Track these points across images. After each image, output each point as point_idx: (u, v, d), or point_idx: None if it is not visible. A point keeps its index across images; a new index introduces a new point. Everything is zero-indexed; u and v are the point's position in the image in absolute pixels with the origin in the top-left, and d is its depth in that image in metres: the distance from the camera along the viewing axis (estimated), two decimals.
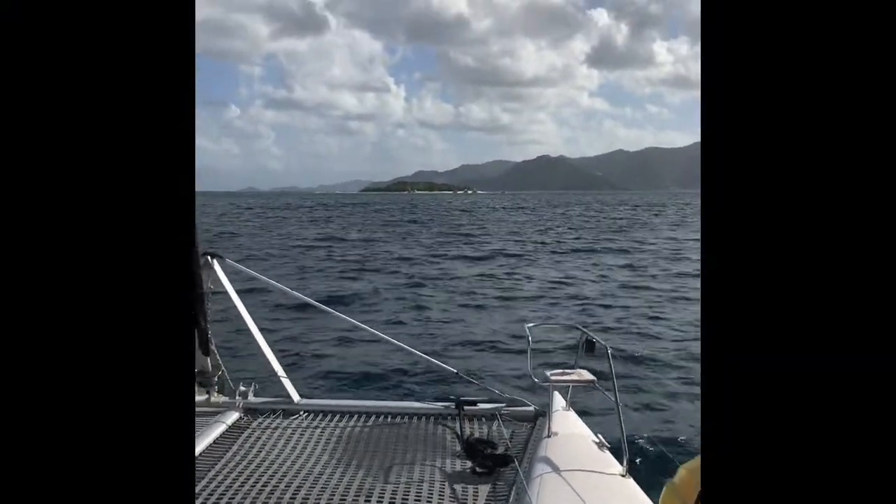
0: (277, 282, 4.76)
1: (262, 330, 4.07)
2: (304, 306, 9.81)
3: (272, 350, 4.04)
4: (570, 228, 45.40)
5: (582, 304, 14.64)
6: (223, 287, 3.95)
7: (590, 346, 3.25)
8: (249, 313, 4.05)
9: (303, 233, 39.72)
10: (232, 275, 4.05)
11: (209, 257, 3.89)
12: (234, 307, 4.00)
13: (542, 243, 31.80)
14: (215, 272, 3.90)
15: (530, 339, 3.36)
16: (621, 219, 59.36)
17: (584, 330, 3.34)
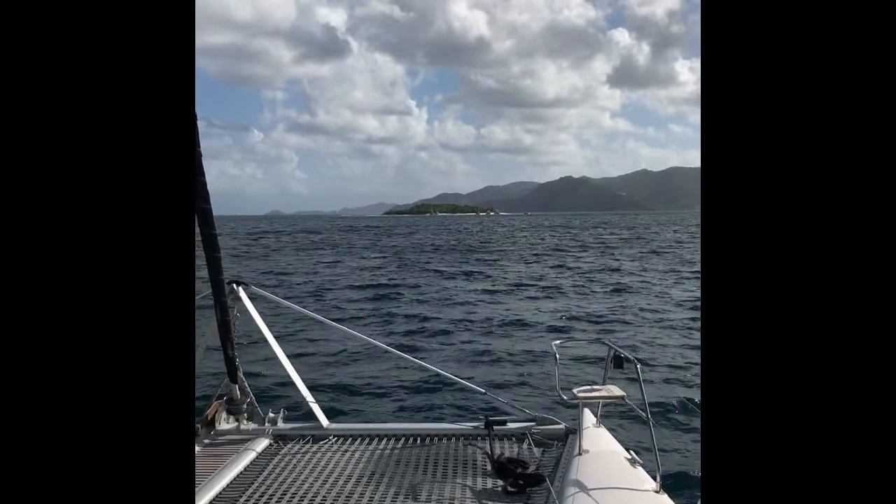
0: (303, 307, 4.78)
1: (289, 356, 4.08)
2: (331, 331, 9.84)
3: (300, 376, 4.05)
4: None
5: None
6: (249, 315, 3.97)
7: (618, 361, 3.22)
8: (276, 339, 4.07)
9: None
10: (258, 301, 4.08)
11: (234, 285, 3.92)
12: (261, 333, 4.02)
13: None
14: (241, 300, 3.93)
15: (557, 356, 3.34)
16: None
17: (613, 345, 3.31)
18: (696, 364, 10.60)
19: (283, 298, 4.47)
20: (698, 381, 9.12)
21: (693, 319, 14.64)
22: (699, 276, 1.10)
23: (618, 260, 32.95)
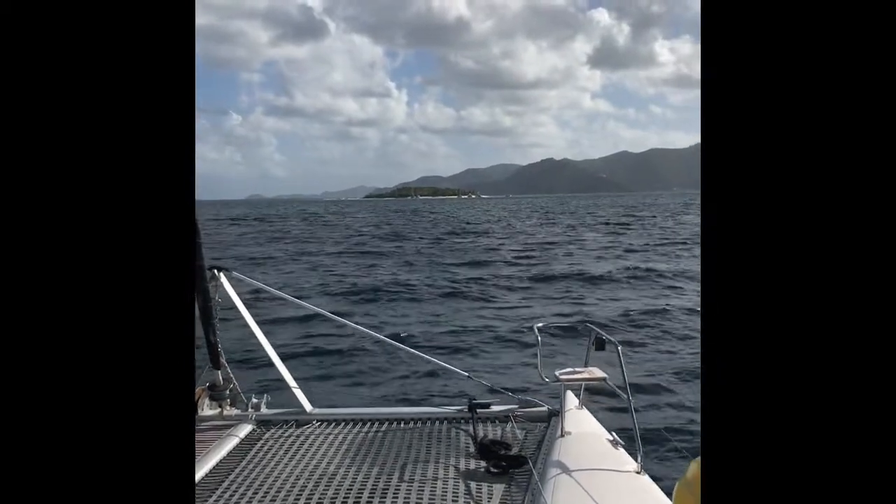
0: (283, 292, 4.76)
1: (271, 341, 4.07)
2: (312, 316, 9.78)
3: (282, 361, 4.04)
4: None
5: None
6: (231, 300, 3.95)
7: (600, 343, 3.25)
8: (258, 325, 4.06)
9: None
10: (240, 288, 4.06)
11: (216, 271, 3.90)
12: (243, 320, 4.00)
13: None
14: (223, 286, 3.91)
15: (539, 338, 3.36)
16: None
17: (594, 327, 3.33)
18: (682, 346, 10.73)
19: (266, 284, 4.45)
20: (683, 360, 9.26)
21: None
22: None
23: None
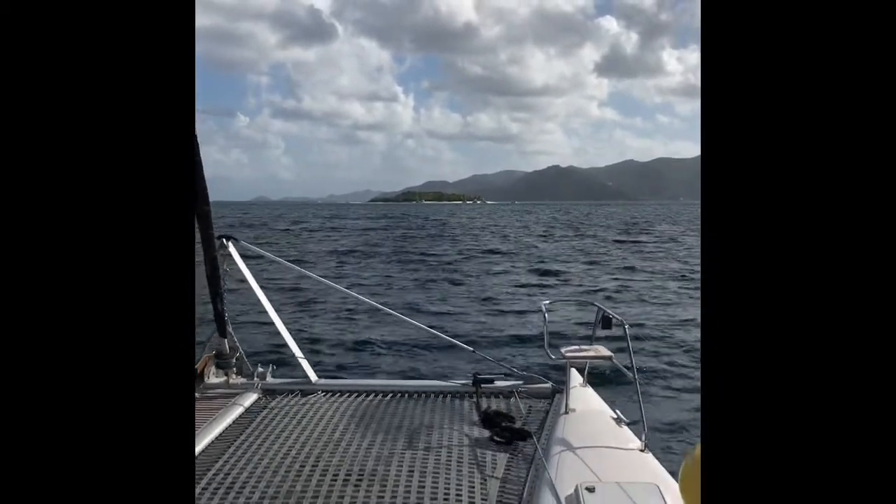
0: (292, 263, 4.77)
1: (278, 311, 4.07)
2: (321, 288, 9.74)
3: (289, 331, 4.05)
4: None
5: None
6: (239, 270, 3.96)
7: (606, 321, 3.24)
8: (266, 295, 4.07)
9: None
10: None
11: (224, 240, 3.91)
12: (251, 289, 4.02)
13: None
14: (231, 255, 3.92)
15: (546, 316, 3.35)
16: None
17: (601, 306, 3.33)
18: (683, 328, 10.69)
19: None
20: (687, 343, 9.22)
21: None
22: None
23: None
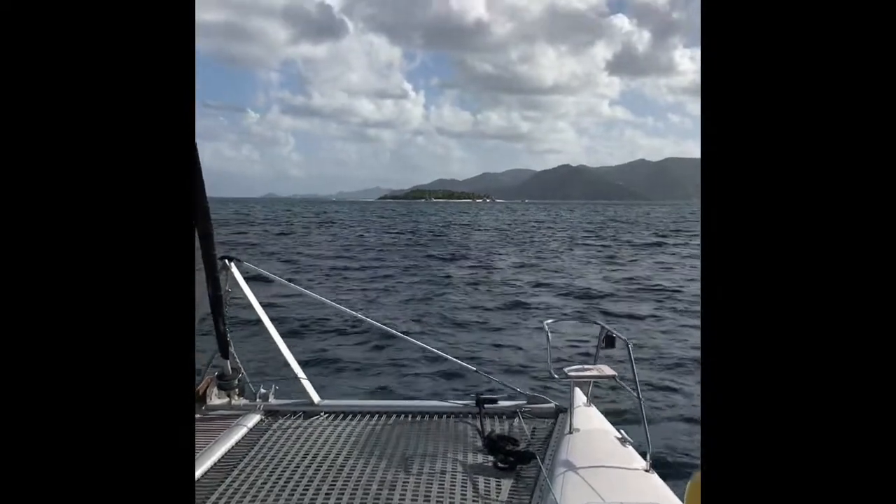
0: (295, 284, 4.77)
1: (280, 332, 4.07)
2: (323, 308, 9.78)
3: (291, 352, 4.05)
4: None
5: None
6: (241, 290, 3.97)
7: (610, 341, 3.23)
8: (267, 316, 4.06)
9: None
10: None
11: (226, 261, 3.91)
12: (253, 310, 4.01)
13: None
14: (233, 276, 3.92)
15: (549, 335, 3.34)
16: None
17: (604, 325, 3.32)
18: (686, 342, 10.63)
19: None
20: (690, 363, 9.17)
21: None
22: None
23: None
